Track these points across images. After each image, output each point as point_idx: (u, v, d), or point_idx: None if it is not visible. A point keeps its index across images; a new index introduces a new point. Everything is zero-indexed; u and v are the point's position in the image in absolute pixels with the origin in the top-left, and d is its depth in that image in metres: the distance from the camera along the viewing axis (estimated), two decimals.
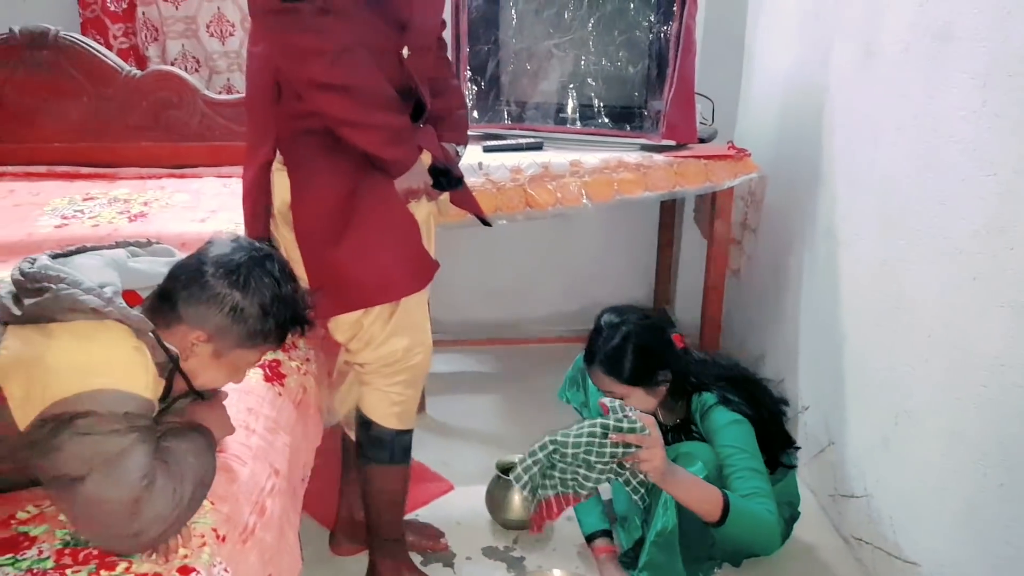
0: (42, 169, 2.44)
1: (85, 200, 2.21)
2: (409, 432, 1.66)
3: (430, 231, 1.63)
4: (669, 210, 2.87)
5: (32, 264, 1.11)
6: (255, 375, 1.49)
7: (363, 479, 1.69)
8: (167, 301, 1.18)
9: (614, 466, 1.53)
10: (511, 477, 1.58)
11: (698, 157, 2.22)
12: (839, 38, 1.94)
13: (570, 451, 1.52)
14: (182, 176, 2.45)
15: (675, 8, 2.07)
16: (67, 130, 2.49)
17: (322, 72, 1.36)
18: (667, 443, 1.62)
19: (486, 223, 1.82)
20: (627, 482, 1.56)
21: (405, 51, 1.48)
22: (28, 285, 1.08)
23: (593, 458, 1.52)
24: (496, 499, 1.95)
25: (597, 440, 1.50)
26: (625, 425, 1.48)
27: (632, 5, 2.14)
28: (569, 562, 1.86)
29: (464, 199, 1.72)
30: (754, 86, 2.56)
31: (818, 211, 2.06)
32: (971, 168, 1.41)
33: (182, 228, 1.99)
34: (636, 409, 1.54)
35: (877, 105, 1.75)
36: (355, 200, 1.47)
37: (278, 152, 1.49)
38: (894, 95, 1.67)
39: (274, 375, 1.55)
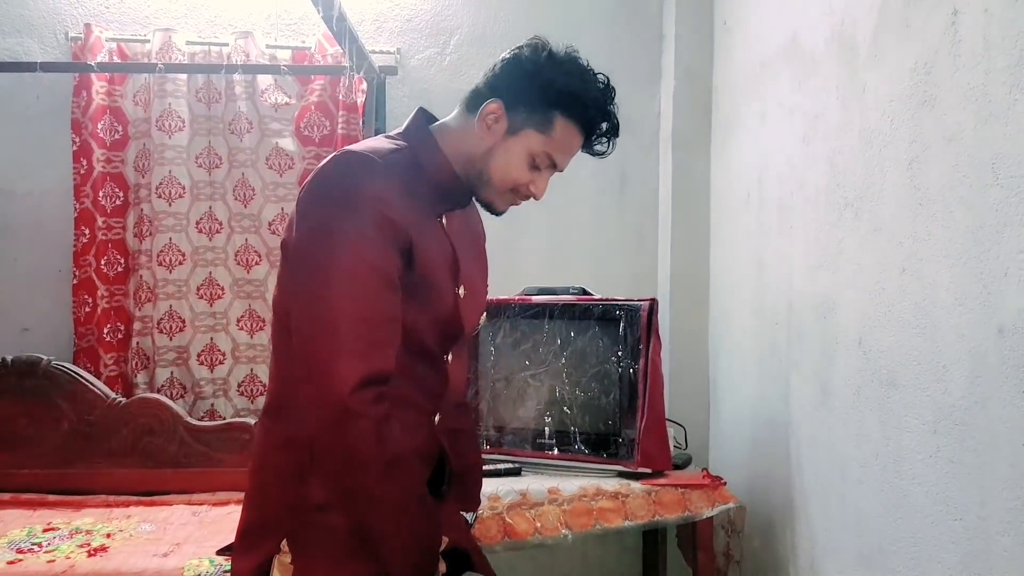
0: (6, 496, 2.40)
1: (45, 531, 2.14)
2: None
3: None
4: (652, 536, 2.80)
5: None
6: None
7: None
8: None
9: None
10: None
11: (675, 485, 2.22)
12: (795, 377, 2.04)
13: None
14: (151, 504, 2.40)
15: (641, 347, 2.21)
16: (41, 456, 2.48)
17: (374, 483, 1.21)
18: None
19: None
20: None
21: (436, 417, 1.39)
22: None
23: None
24: None
25: None
26: None
27: (601, 343, 2.27)
28: None
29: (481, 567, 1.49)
30: (723, 414, 2.64)
31: (798, 545, 2.02)
32: (938, 511, 1.42)
33: (143, 564, 1.93)
34: None
35: (839, 442, 1.80)
36: None
37: (283, 546, 1.27)
38: (853, 434, 1.72)
39: None
